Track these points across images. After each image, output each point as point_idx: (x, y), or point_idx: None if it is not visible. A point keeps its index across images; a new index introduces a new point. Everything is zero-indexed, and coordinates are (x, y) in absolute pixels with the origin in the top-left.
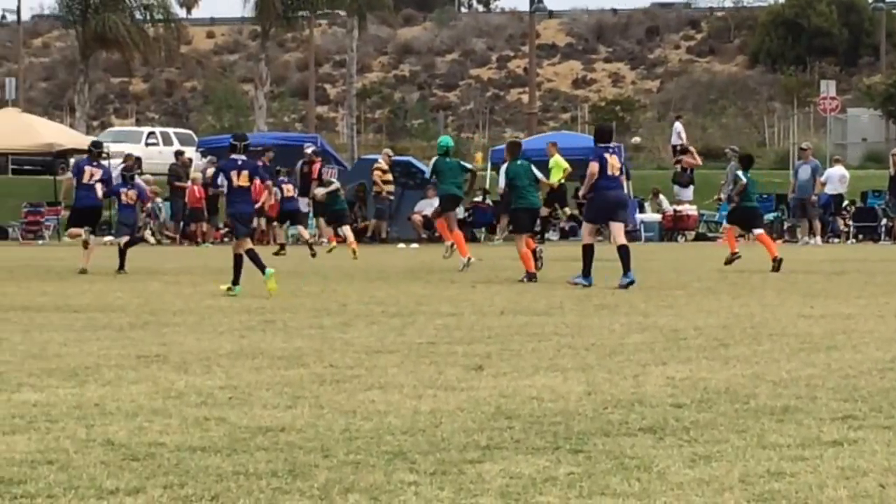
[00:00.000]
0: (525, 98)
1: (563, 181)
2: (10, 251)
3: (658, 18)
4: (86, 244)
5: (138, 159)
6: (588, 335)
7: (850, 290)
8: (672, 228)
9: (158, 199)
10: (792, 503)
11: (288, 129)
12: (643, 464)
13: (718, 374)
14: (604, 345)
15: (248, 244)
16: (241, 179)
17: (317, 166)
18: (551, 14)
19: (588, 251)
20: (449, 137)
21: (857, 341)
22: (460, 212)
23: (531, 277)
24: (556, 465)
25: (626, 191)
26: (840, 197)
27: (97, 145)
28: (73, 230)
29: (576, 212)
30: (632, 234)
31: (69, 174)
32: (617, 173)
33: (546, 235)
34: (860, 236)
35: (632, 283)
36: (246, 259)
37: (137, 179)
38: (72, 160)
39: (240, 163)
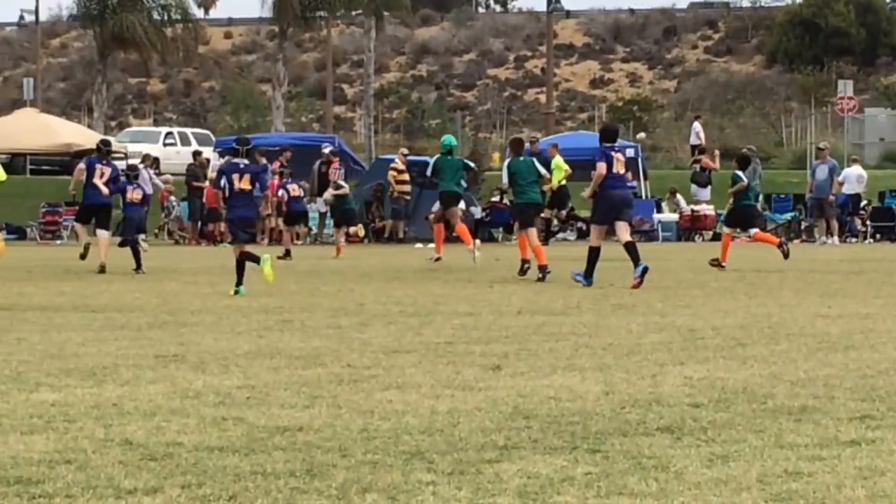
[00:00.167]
0: (542, 98)
1: (563, 182)
2: (28, 251)
3: (675, 18)
4: (86, 248)
5: (156, 159)
6: (605, 335)
7: (867, 289)
8: (689, 228)
9: (173, 198)
10: (809, 503)
11: (305, 130)
12: (661, 463)
13: (736, 374)
14: (621, 344)
15: (239, 253)
16: (244, 183)
17: (335, 166)
18: (568, 14)
19: (593, 253)
20: (452, 137)
21: (875, 341)
22: (477, 212)
23: (525, 265)
24: (574, 464)
25: (642, 190)
26: (857, 197)
27: (106, 143)
28: (79, 226)
29: (583, 213)
30: (649, 234)
31: (81, 165)
32: (622, 171)
33: (562, 235)
34: (878, 236)
35: (646, 269)
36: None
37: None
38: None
39: (242, 166)
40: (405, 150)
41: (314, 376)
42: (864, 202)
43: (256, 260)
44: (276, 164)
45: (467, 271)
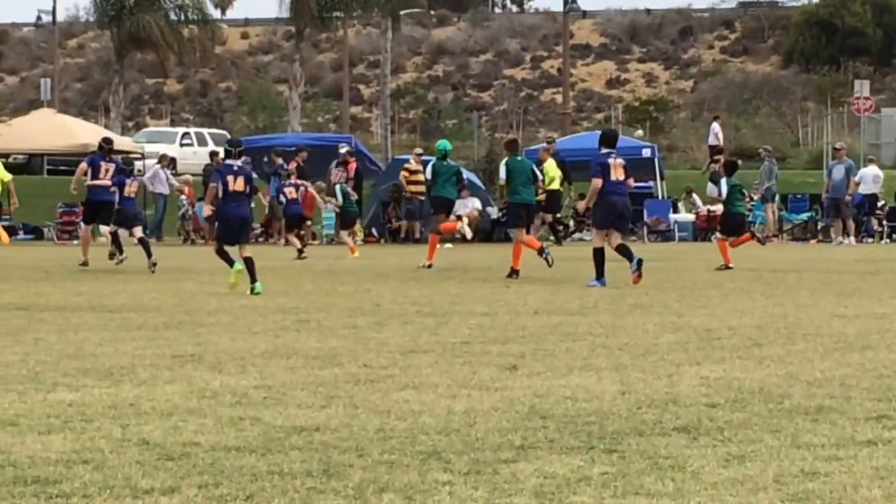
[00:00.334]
0: (559, 98)
1: (559, 188)
2: (45, 251)
3: (692, 18)
4: (87, 244)
5: (173, 160)
6: (622, 335)
7: (884, 289)
8: (706, 228)
9: (183, 198)
10: (826, 503)
11: (322, 130)
12: (677, 464)
13: (752, 374)
14: (637, 344)
15: (221, 246)
16: (237, 185)
17: (352, 166)
18: (585, 14)
19: (598, 255)
20: (447, 142)
21: (892, 341)
22: (493, 212)
23: (514, 274)
24: (591, 464)
25: (658, 190)
26: (874, 197)
27: (108, 141)
28: (84, 233)
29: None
30: (665, 234)
31: (84, 164)
32: (621, 178)
33: (578, 235)
34: (894, 236)
35: (640, 261)
36: (260, 259)
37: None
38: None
39: (235, 168)
40: (419, 150)
41: (331, 376)
42: (880, 202)
43: (231, 262)
44: (293, 165)
45: (483, 271)
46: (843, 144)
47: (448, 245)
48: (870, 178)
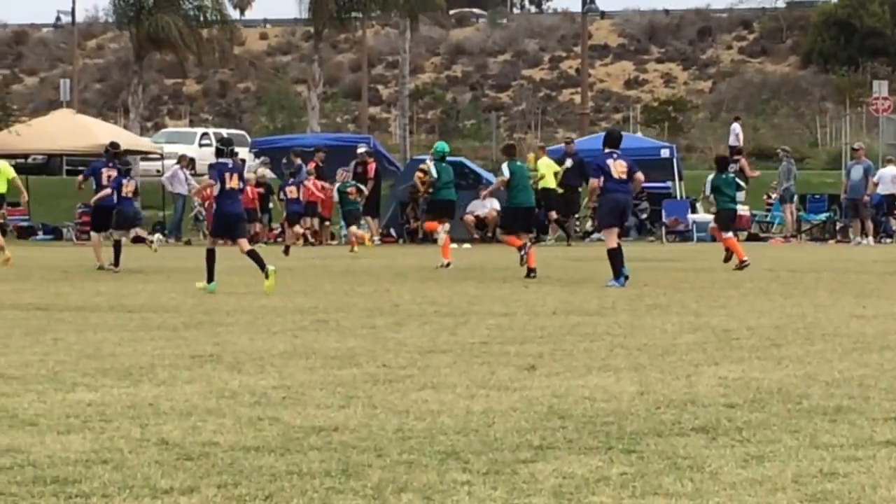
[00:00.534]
0: (577, 98)
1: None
2: (64, 252)
3: (710, 19)
4: (99, 250)
5: (192, 160)
6: (640, 335)
7: None
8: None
9: (197, 199)
10: (845, 503)
11: (341, 130)
12: (696, 464)
13: (771, 375)
14: (656, 345)
15: (212, 245)
16: (233, 182)
17: (371, 166)
18: (603, 15)
19: (613, 254)
20: (445, 143)
21: None
22: None
23: (531, 273)
24: (609, 464)
25: (676, 191)
26: (893, 197)
27: (114, 146)
28: (95, 240)
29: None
30: (684, 234)
31: (81, 176)
32: (624, 177)
33: (597, 235)
34: None
35: (626, 277)
36: (279, 261)
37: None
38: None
39: (230, 166)
40: None
41: (349, 376)
42: None
43: (211, 276)
44: (312, 165)
45: (502, 270)
46: (862, 145)
47: (466, 245)
48: (888, 178)
